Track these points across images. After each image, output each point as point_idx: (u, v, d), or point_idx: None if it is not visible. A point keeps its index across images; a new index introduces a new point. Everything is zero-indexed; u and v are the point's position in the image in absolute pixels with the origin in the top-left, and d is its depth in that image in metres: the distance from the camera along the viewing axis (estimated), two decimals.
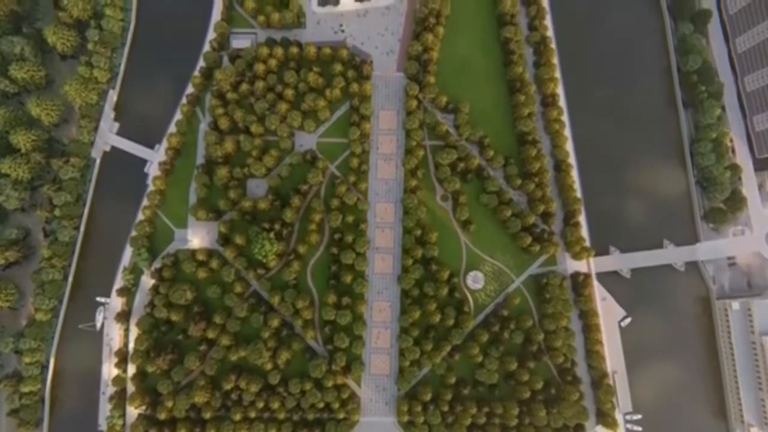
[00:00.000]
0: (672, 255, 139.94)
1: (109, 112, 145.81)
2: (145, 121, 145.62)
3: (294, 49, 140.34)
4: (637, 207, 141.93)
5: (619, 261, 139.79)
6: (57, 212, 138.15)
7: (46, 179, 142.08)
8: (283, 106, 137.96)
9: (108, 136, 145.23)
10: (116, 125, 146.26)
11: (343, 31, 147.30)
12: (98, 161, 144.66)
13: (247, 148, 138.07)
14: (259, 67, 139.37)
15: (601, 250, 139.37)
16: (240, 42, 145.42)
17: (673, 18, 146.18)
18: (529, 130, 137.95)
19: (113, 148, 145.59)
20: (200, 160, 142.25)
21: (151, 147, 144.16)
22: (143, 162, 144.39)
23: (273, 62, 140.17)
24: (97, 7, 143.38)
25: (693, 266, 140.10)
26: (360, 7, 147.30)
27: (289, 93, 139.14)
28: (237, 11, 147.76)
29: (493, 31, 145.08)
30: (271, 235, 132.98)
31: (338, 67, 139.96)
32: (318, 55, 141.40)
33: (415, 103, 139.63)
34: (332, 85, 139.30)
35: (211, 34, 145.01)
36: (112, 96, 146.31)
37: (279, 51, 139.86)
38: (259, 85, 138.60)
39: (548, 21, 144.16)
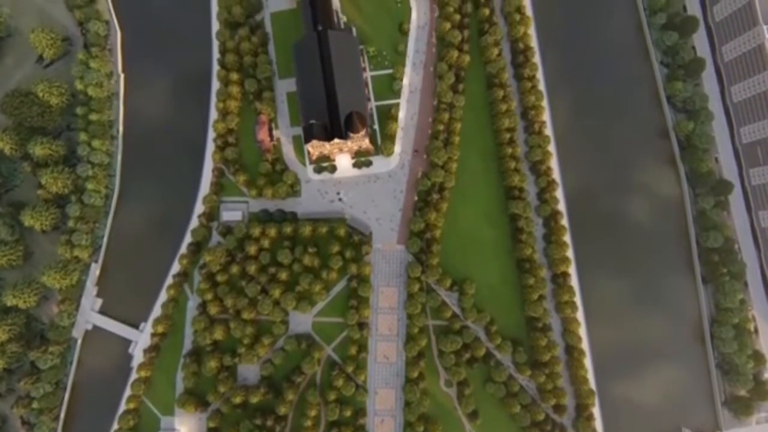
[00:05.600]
0: None
1: (91, 288, 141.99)
2: (129, 297, 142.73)
3: (288, 228, 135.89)
4: (653, 391, 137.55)
5: None
6: (35, 404, 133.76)
7: (24, 365, 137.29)
8: (276, 291, 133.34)
9: (90, 315, 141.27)
10: (99, 301, 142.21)
11: (341, 199, 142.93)
12: (79, 341, 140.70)
13: (239, 336, 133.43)
14: (251, 248, 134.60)
15: None
16: (231, 214, 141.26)
17: (692, 187, 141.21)
18: (539, 316, 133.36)
19: (95, 326, 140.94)
20: (188, 341, 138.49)
21: (136, 326, 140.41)
22: (127, 342, 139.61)
23: (266, 241, 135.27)
24: (78, 181, 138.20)
25: None
26: (359, 173, 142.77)
27: (283, 275, 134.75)
28: (228, 178, 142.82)
29: (501, 203, 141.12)
30: None
31: (335, 247, 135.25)
32: (314, 233, 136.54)
33: (417, 286, 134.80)
34: (329, 266, 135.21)
35: (199, 208, 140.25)
36: (95, 270, 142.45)
37: (272, 230, 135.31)
38: (251, 268, 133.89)
39: (559, 193, 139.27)
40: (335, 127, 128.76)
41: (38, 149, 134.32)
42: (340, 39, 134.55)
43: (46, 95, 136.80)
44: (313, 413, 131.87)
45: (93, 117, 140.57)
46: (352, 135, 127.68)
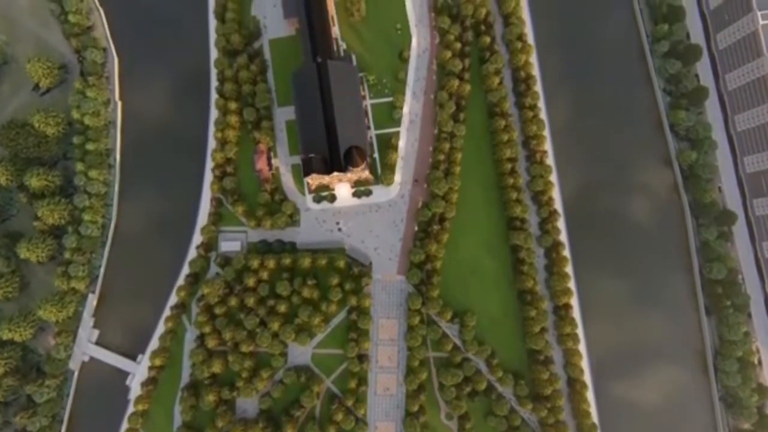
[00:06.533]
0: None
1: (88, 319, 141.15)
2: (126, 329, 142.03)
3: (287, 260, 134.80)
4: (656, 425, 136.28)
5: None
6: None
7: (20, 399, 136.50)
8: (275, 323, 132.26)
9: (87, 346, 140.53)
10: (96, 333, 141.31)
11: (340, 229, 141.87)
12: (76, 374, 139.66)
13: (237, 369, 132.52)
14: (250, 280, 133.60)
15: None
16: (229, 244, 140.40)
17: (695, 218, 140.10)
18: (541, 348, 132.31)
19: (92, 358, 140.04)
20: (186, 374, 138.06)
21: (134, 358, 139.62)
22: (125, 374, 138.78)
23: (264, 273, 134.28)
24: (75, 212, 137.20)
25: None
26: (358, 203, 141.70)
27: (282, 306, 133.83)
28: (226, 208, 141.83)
29: (502, 234, 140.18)
30: None
31: (335, 279, 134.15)
32: (313, 264, 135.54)
33: (417, 318, 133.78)
34: (328, 298, 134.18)
35: (197, 238, 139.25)
36: (92, 301, 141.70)
37: (271, 262, 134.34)
38: (250, 300, 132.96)
39: (560, 224, 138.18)
40: (335, 160, 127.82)
41: (34, 181, 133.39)
42: (340, 70, 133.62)
43: (43, 126, 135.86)
44: None
45: (90, 146, 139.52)
46: (351, 168, 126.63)
